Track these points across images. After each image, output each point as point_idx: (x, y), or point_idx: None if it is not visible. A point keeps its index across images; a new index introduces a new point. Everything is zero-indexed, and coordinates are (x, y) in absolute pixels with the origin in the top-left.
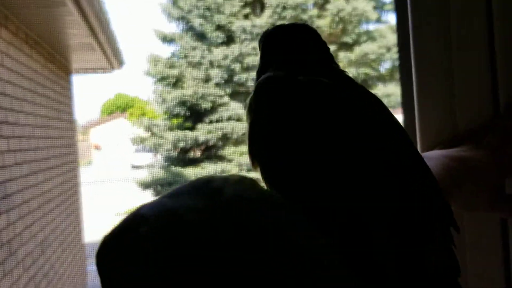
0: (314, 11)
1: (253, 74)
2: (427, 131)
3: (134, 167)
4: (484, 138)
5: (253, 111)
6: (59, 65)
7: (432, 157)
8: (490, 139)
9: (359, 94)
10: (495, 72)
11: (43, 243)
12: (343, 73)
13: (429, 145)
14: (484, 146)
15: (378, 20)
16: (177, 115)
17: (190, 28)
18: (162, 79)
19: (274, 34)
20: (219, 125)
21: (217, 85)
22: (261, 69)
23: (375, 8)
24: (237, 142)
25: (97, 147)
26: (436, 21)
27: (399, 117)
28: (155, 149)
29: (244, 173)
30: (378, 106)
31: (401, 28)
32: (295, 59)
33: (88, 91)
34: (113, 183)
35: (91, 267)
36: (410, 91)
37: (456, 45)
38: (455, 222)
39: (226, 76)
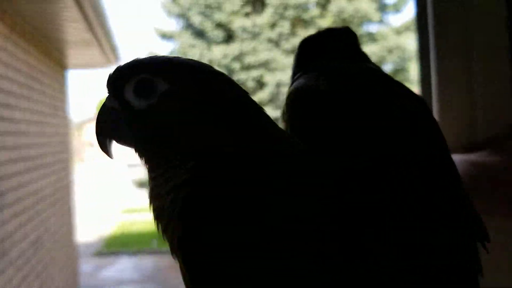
0: (316, 11)
1: (253, 73)
2: (447, 137)
3: (130, 165)
4: (505, 144)
5: (286, 121)
6: (56, 60)
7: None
8: (511, 144)
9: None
10: None
11: (36, 243)
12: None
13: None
14: (505, 151)
15: (380, 22)
16: None
17: (189, 26)
18: None
19: (306, 41)
20: None
21: None
22: (293, 73)
23: (377, 9)
24: None
25: (91, 145)
26: (457, 29)
27: None
28: None
29: None
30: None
31: (421, 36)
32: (320, 66)
33: (84, 88)
34: (109, 182)
35: (84, 266)
36: (429, 98)
37: (477, 53)
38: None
39: None
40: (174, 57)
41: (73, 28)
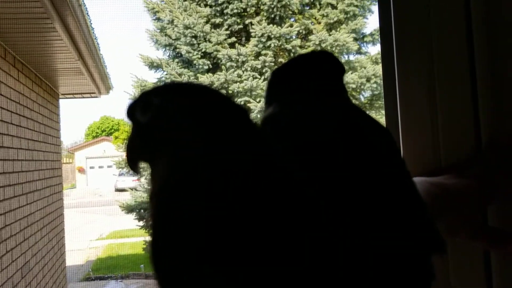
0: (297, 41)
1: (238, 100)
2: (411, 164)
3: (118, 190)
4: (466, 170)
5: None
6: (47, 89)
7: (415, 182)
8: (474, 170)
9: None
10: (477, 109)
11: (24, 268)
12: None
13: (413, 176)
14: (467, 175)
15: (359, 51)
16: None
17: (177, 55)
18: None
19: (279, 69)
20: None
21: None
22: (265, 104)
23: (355, 39)
24: None
25: (81, 171)
26: (419, 58)
27: None
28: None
29: None
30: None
31: (386, 66)
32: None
33: (74, 115)
34: (97, 206)
35: None
36: (395, 127)
37: (440, 83)
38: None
39: None
40: (179, 82)
41: (64, 58)
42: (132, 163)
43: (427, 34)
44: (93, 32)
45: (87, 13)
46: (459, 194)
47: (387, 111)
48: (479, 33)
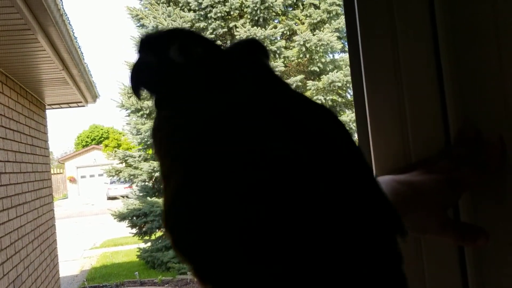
0: (282, 42)
1: None
2: (381, 162)
3: (110, 198)
4: (434, 165)
5: None
6: (33, 101)
7: (382, 181)
8: (442, 164)
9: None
10: (445, 105)
11: (16, 281)
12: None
13: (384, 173)
14: (435, 171)
15: (343, 50)
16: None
17: None
18: (136, 110)
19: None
20: None
21: None
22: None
23: (339, 38)
24: None
25: (72, 180)
26: (386, 56)
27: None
28: (130, 180)
29: None
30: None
31: (353, 64)
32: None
33: (63, 125)
34: (89, 216)
35: None
36: (365, 124)
37: (407, 80)
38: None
39: None
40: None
41: (48, 69)
42: (136, 91)
43: (393, 32)
44: (76, 41)
45: (69, 22)
46: (427, 190)
47: (356, 109)
48: (444, 31)
